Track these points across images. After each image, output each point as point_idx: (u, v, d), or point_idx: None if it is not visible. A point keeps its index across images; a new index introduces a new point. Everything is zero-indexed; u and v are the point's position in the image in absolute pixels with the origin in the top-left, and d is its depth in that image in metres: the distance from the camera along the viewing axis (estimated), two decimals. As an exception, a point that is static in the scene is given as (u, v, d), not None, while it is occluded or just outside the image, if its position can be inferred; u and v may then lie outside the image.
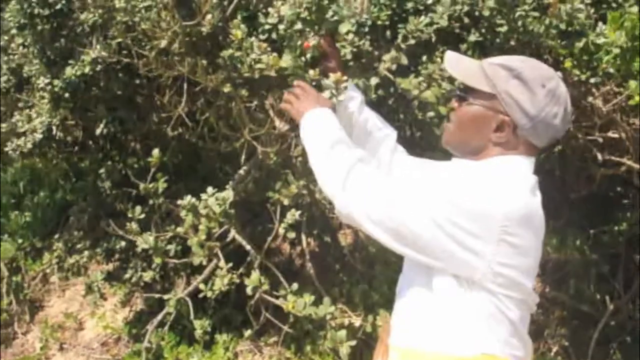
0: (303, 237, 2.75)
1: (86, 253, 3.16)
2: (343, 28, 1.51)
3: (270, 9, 1.63)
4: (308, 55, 1.51)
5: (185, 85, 2.00)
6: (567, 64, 1.72)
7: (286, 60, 1.55)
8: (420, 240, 1.11)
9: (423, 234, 1.10)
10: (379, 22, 1.65)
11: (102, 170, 3.05)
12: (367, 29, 1.54)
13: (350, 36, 1.52)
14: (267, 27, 1.63)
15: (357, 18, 1.49)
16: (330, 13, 1.51)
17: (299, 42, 1.51)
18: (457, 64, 1.26)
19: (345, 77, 1.39)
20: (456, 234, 1.07)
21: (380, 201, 1.16)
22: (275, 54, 1.55)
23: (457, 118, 1.25)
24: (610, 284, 2.55)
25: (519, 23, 1.66)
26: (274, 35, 1.66)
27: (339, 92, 1.39)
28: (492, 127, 1.17)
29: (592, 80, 1.70)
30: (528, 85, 1.15)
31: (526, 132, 1.16)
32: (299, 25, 1.51)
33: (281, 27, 1.58)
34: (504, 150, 1.18)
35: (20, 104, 2.73)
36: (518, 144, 1.17)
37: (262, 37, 1.68)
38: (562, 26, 1.64)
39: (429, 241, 1.10)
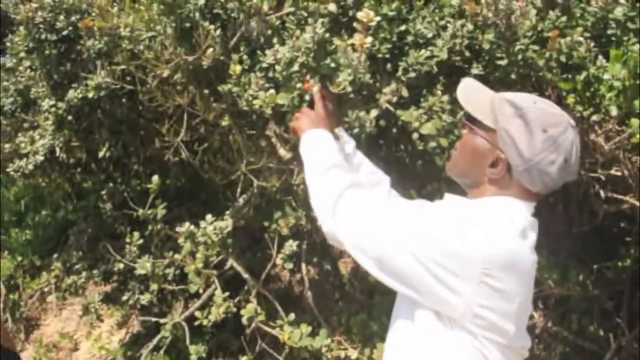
0: (303, 265, 2.73)
1: (84, 274, 3.14)
2: (340, 76, 1.52)
3: (267, 51, 1.63)
4: (307, 97, 1.54)
5: (185, 115, 2.01)
6: (570, 100, 1.72)
7: (283, 98, 1.57)
8: (400, 272, 1.10)
9: (403, 266, 1.09)
10: (379, 55, 1.65)
11: (103, 192, 3.05)
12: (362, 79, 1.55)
13: (346, 84, 1.52)
14: (264, 65, 1.64)
15: (355, 70, 1.50)
16: (327, 60, 1.53)
17: (298, 85, 1.54)
18: (468, 94, 1.25)
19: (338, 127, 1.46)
20: (435, 270, 1.06)
21: (365, 229, 1.16)
22: (272, 91, 1.56)
23: (461, 145, 1.26)
24: (614, 320, 2.50)
25: (519, 57, 1.66)
26: (271, 74, 1.67)
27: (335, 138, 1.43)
28: (488, 162, 1.17)
29: (595, 118, 1.69)
30: (529, 127, 1.13)
31: (519, 175, 1.14)
32: (295, 67, 1.53)
33: (278, 67, 1.59)
34: (499, 190, 1.16)
35: (26, 125, 2.75)
36: (512, 185, 1.15)
37: (259, 74, 1.68)
38: (563, 59, 1.63)
39: (408, 274, 1.09)
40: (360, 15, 1.42)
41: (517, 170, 1.14)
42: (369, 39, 1.46)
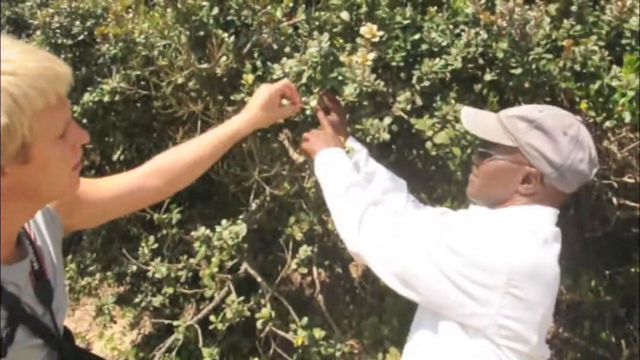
0: (314, 268, 2.74)
1: (98, 275, 3.16)
2: (346, 90, 1.53)
3: (275, 65, 1.64)
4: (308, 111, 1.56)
5: (199, 122, 2.02)
6: (583, 105, 1.71)
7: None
8: (425, 286, 1.12)
9: (428, 280, 1.11)
10: (393, 63, 1.66)
11: (117, 194, 3.07)
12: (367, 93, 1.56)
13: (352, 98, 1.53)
14: (275, 77, 1.65)
15: (360, 84, 1.50)
16: (334, 73, 1.53)
17: (304, 98, 1.55)
18: (474, 121, 1.27)
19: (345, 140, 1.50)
20: (460, 282, 1.07)
21: (389, 246, 1.18)
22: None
23: (482, 174, 1.26)
24: (626, 327, 2.49)
25: (533, 65, 1.66)
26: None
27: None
28: (519, 180, 1.18)
29: (608, 124, 1.68)
30: (550, 135, 1.15)
31: (553, 181, 1.17)
32: (304, 80, 1.54)
33: (287, 80, 1.60)
34: (530, 201, 1.18)
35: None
36: (546, 193, 1.18)
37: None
38: (577, 67, 1.64)
39: (433, 288, 1.11)
40: (363, 30, 1.40)
41: (550, 178, 1.16)
42: (372, 55, 1.43)
